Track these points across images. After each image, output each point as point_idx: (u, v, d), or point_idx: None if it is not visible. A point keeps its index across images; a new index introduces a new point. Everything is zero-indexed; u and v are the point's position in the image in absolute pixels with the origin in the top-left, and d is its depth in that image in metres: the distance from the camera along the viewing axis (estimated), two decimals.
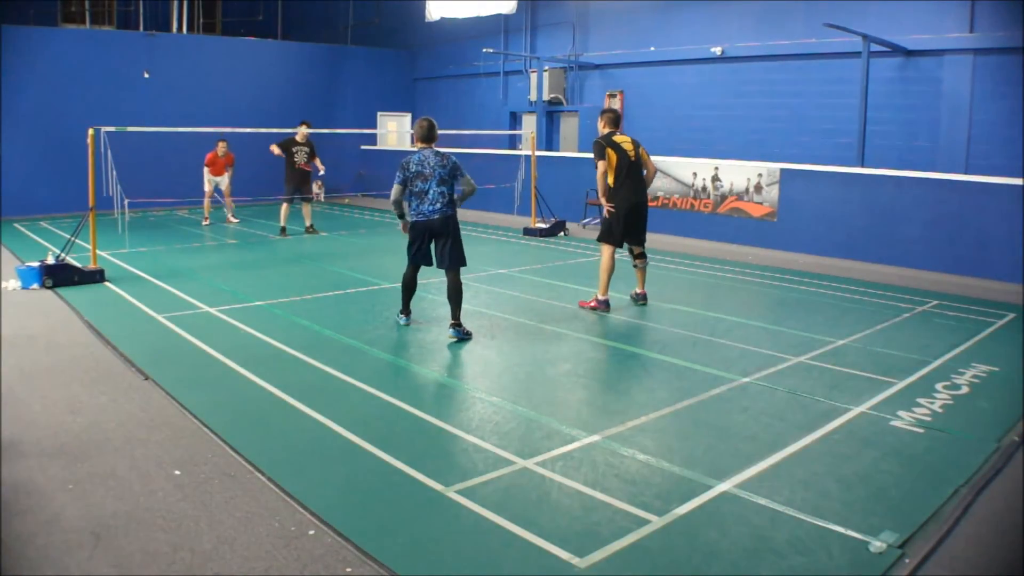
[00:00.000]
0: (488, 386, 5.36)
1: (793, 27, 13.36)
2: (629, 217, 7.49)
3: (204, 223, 14.17)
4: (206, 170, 13.97)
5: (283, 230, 12.76)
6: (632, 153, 7.46)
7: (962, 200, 10.08)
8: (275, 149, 12.39)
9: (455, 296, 6.52)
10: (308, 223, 13.17)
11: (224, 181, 14.06)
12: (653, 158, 8.58)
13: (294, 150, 12.39)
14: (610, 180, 7.45)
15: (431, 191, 6.40)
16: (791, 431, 4.54)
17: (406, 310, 6.98)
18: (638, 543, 3.27)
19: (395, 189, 6.56)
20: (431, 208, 6.40)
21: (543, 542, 3.25)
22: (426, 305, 7.84)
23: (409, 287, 6.84)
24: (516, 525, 3.38)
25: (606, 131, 7.57)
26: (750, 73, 14.09)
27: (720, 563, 3.14)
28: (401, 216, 6.67)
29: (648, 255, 7.96)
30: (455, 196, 6.55)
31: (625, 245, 7.74)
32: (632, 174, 7.46)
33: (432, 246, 6.57)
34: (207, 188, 14.11)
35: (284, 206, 12.86)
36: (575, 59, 16.97)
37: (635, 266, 7.87)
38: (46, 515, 3.44)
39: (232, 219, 14.52)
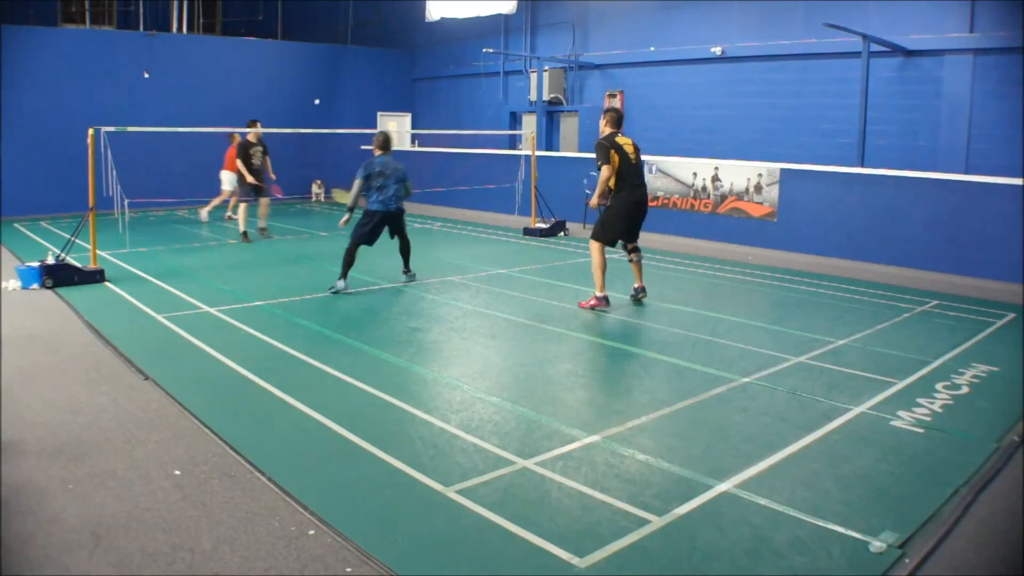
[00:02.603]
0: (488, 386, 5.36)
1: (793, 27, 13.35)
2: (629, 218, 7.56)
3: (230, 217, 14.43)
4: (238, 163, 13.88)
5: (245, 235, 12.10)
6: (633, 156, 7.52)
7: (962, 200, 10.07)
8: (240, 166, 11.84)
9: (407, 251, 8.83)
10: (262, 224, 12.56)
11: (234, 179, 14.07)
12: (655, 158, 8.61)
13: (251, 152, 11.90)
14: (612, 182, 7.45)
15: (390, 187, 8.29)
16: (791, 431, 4.54)
17: (345, 276, 8.21)
18: (638, 543, 3.27)
19: (359, 183, 8.23)
20: (392, 201, 8.34)
21: (543, 542, 3.25)
22: (425, 305, 7.85)
23: (352, 261, 8.28)
24: (516, 525, 3.38)
25: (608, 131, 7.58)
26: (750, 73, 14.08)
27: (720, 563, 3.14)
28: (350, 210, 8.41)
29: (645, 253, 7.98)
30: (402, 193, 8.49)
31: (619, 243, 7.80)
32: (633, 176, 7.51)
33: (384, 230, 8.44)
34: (228, 187, 13.96)
35: (242, 208, 12.23)
36: (575, 59, 16.96)
37: (630, 260, 7.91)
38: (46, 515, 3.44)
39: (231, 215, 14.51)
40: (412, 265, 9.02)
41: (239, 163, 11.90)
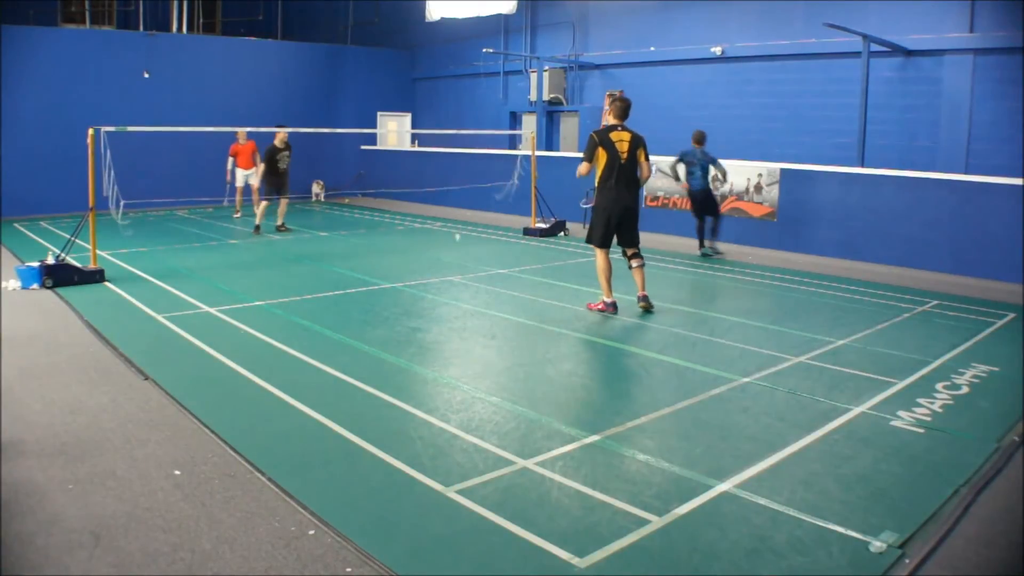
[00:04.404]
0: (488, 386, 5.36)
1: (793, 27, 13.36)
2: (614, 220, 7.25)
3: (235, 216, 14.82)
4: (231, 161, 14.51)
5: (257, 228, 12.94)
6: (625, 154, 7.15)
7: (962, 200, 10.08)
8: (261, 168, 12.77)
9: (714, 227, 11.45)
10: (280, 221, 13.24)
11: (254, 176, 14.37)
12: (654, 158, 8.48)
13: (277, 158, 12.56)
14: (597, 178, 7.26)
15: (696, 171, 10.92)
16: (791, 431, 4.53)
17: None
18: (638, 543, 3.27)
19: (675, 160, 11.16)
20: (697, 181, 11.03)
21: (543, 542, 3.25)
22: (426, 305, 7.85)
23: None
24: (516, 525, 3.38)
25: (609, 122, 7.29)
26: (750, 73, 14.08)
27: (720, 563, 3.14)
28: (677, 179, 11.34)
29: (644, 254, 7.59)
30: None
31: (620, 248, 7.54)
32: (622, 175, 7.16)
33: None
34: (238, 183, 14.69)
35: (263, 205, 13.06)
36: (575, 59, 16.96)
37: (631, 267, 7.50)
38: (46, 515, 3.44)
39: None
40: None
41: (262, 166, 12.66)
